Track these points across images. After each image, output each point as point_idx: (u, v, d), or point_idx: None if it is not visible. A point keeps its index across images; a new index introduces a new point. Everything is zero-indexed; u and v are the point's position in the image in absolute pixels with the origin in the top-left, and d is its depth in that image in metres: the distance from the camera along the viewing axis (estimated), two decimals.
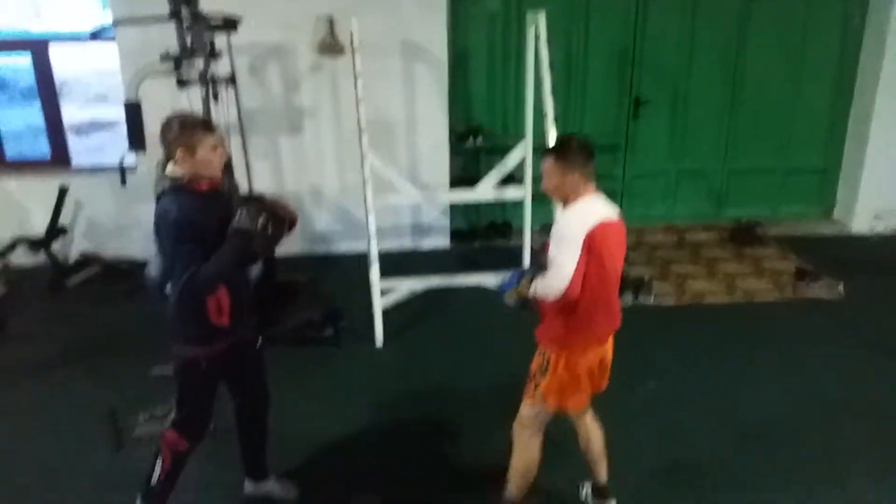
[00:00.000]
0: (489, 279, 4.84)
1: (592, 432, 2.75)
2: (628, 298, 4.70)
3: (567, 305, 2.42)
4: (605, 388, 2.70)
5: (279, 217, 2.35)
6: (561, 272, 2.35)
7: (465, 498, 3.00)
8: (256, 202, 2.35)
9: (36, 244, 5.14)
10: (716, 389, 3.72)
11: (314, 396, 3.70)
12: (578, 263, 2.35)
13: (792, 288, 4.88)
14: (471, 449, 3.27)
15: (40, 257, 5.21)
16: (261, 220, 2.24)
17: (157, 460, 2.57)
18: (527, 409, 2.63)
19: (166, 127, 2.32)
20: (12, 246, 5.14)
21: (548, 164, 2.46)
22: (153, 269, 2.73)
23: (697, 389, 3.72)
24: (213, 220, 2.28)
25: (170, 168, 2.33)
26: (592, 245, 2.36)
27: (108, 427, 3.35)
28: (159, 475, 2.57)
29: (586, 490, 2.90)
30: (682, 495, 2.95)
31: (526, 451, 2.66)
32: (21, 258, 5.24)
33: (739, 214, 6.08)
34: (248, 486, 2.95)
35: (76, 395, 3.74)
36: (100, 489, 3.04)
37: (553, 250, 2.39)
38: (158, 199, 2.32)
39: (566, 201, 2.47)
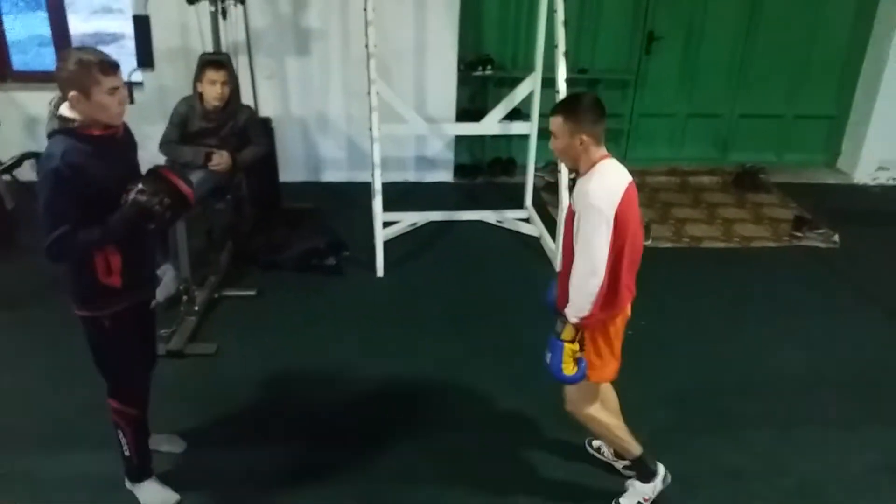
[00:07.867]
0: (490, 215, 4.91)
1: (609, 391, 2.67)
2: None
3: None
4: None
5: (182, 195, 2.17)
6: (594, 261, 2.13)
7: (462, 427, 3.10)
8: (159, 177, 2.17)
9: None
10: (703, 331, 3.83)
11: (315, 321, 3.81)
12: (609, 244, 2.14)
13: (789, 236, 4.94)
14: (468, 379, 3.39)
15: None
16: (164, 200, 2.09)
17: (119, 433, 2.48)
18: (571, 390, 2.46)
19: (62, 63, 2.08)
20: (20, 160, 5.15)
21: (556, 122, 2.23)
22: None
23: (685, 330, 3.83)
24: (104, 171, 2.09)
25: (63, 108, 2.11)
26: (621, 219, 2.14)
27: None
28: (129, 447, 2.49)
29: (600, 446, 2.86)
30: (657, 432, 3.09)
31: (596, 423, 2.51)
32: (28, 173, 5.27)
33: (744, 159, 6.07)
34: None
35: None
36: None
37: (585, 228, 2.14)
38: (49, 138, 2.13)
39: (576, 164, 2.25)
